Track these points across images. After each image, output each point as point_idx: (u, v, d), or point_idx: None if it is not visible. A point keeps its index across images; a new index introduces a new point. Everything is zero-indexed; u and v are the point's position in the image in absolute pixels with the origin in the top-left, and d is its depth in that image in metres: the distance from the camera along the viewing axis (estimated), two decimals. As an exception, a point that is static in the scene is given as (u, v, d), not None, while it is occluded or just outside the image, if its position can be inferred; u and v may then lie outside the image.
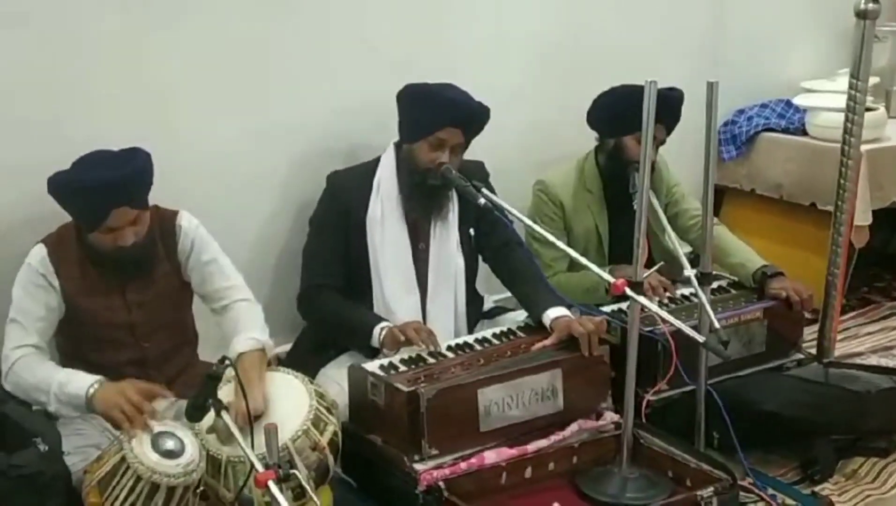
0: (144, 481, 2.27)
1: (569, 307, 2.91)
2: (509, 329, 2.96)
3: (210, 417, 2.36)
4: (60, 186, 2.52)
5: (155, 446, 2.32)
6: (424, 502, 2.50)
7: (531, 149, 3.72)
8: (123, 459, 2.28)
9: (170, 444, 2.33)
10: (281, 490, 2.06)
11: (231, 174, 3.13)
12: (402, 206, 2.99)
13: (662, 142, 3.30)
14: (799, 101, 4.15)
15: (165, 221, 2.69)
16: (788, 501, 2.81)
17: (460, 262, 3.06)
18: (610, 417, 2.81)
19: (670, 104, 3.14)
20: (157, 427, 2.37)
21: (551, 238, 2.65)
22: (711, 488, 2.53)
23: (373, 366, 2.72)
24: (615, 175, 3.34)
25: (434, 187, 2.93)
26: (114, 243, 2.54)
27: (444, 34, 3.49)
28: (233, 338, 2.64)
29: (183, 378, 2.72)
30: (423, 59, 3.33)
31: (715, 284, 3.24)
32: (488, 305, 3.25)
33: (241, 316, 2.70)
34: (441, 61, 3.33)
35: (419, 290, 3.01)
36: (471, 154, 3.05)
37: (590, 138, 3.44)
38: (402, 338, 2.78)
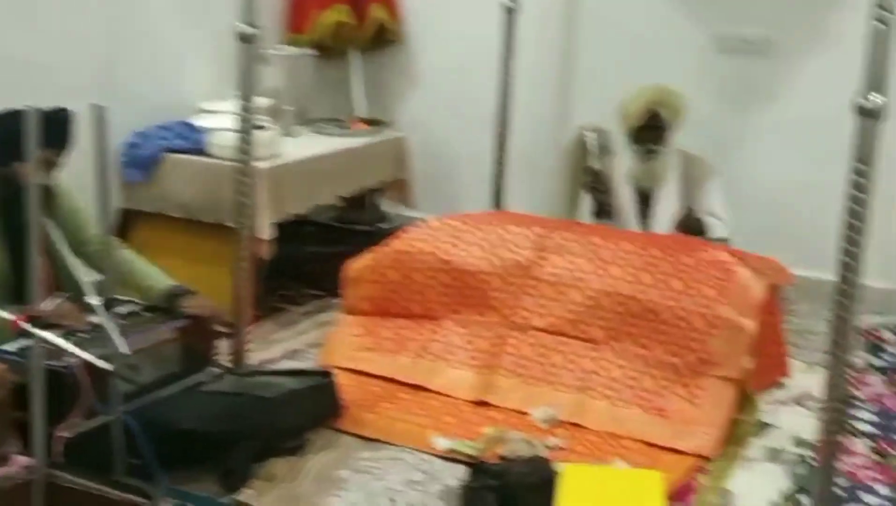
0: None
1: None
2: None
3: None
4: None
5: None
6: None
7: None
8: None
9: None
10: None
11: None
12: None
13: (56, 165, 3.17)
14: (197, 121, 4.27)
15: None
16: (210, 513, 2.88)
17: None
18: (20, 461, 2.64)
19: (57, 127, 3.04)
20: None
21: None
22: (130, 516, 2.51)
23: None
24: (12, 205, 3.13)
25: None
26: None
27: None
28: None
29: None
30: None
31: (125, 310, 3.22)
32: None
33: None
34: None
35: None
36: None
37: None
38: None
